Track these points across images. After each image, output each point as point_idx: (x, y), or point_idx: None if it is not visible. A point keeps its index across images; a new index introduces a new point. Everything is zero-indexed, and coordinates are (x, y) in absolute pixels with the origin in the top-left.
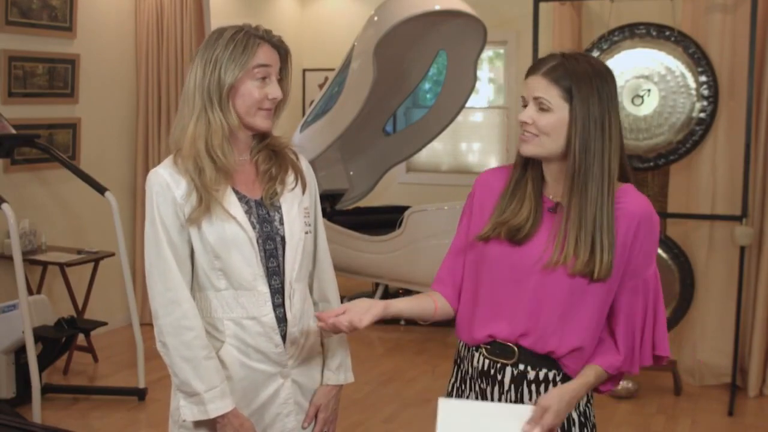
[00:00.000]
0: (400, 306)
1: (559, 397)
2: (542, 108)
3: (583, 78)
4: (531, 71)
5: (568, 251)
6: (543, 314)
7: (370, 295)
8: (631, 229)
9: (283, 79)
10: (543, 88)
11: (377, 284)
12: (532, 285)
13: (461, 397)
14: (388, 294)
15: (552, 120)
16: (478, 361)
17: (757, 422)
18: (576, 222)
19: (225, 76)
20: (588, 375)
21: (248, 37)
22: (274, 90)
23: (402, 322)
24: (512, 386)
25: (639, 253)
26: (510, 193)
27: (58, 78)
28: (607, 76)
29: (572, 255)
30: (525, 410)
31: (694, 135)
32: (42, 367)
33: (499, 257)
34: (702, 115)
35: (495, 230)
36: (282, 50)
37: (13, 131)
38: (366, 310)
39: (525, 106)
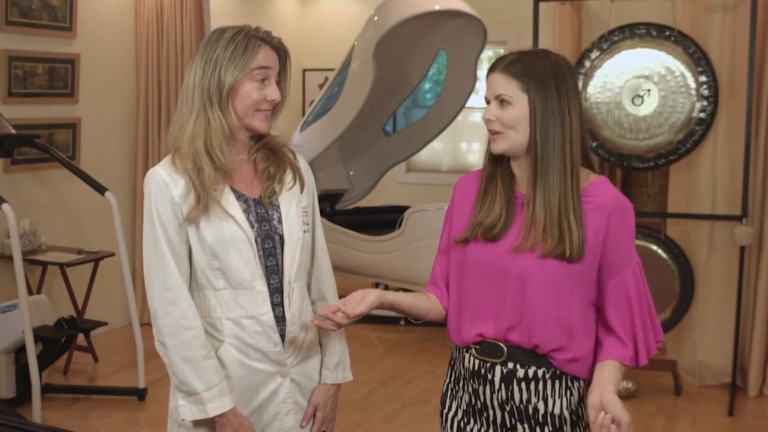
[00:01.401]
0: (397, 297)
1: (599, 393)
2: (504, 103)
3: (540, 71)
4: (490, 70)
5: (536, 238)
6: (526, 306)
7: None
8: (603, 221)
9: (281, 81)
10: (502, 83)
11: (377, 284)
12: (513, 279)
13: (455, 397)
14: None
15: (514, 113)
16: (469, 362)
17: (757, 422)
18: (542, 210)
19: (225, 76)
20: (609, 364)
21: (249, 38)
22: (272, 92)
23: (402, 322)
24: (502, 385)
25: (618, 244)
26: (483, 193)
27: (58, 78)
28: (566, 70)
29: (540, 240)
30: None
31: (694, 135)
32: (42, 367)
33: (478, 257)
34: (702, 115)
35: (472, 232)
36: (281, 52)
37: (13, 131)
38: (360, 301)
39: (489, 104)
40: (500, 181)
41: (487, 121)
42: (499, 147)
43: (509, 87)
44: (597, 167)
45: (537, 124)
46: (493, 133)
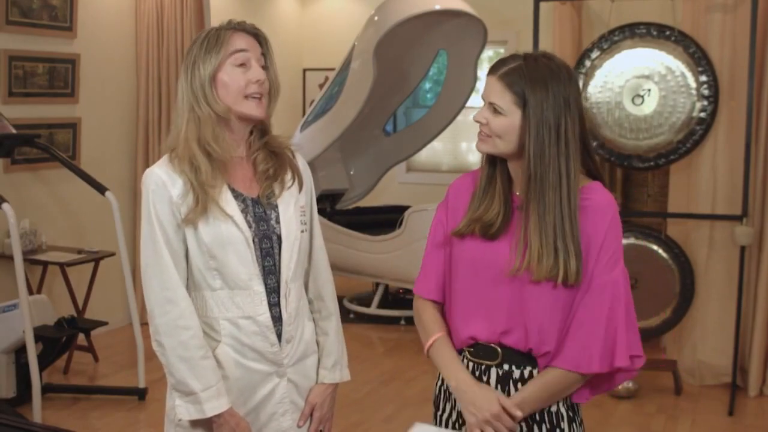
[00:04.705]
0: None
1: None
2: (495, 112)
3: (539, 82)
4: (490, 71)
5: (531, 257)
6: (521, 313)
7: (371, 294)
8: (597, 225)
9: (268, 66)
10: (497, 92)
11: (377, 284)
12: (507, 285)
13: (448, 400)
14: (388, 293)
15: (504, 123)
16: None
17: (757, 422)
18: (536, 228)
19: (203, 69)
20: (552, 376)
21: (220, 31)
22: (256, 73)
23: (402, 322)
24: (498, 387)
25: (606, 251)
26: (482, 190)
27: (58, 78)
28: (565, 79)
29: (536, 261)
30: None
31: (695, 135)
32: (42, 367)
33: (474, 254)
34: (702, 114)
35: (469, 227)
36: (258, 36)
37: (13, 131)
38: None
39: (484, 104)
40: (499, 180)
41: (478, 122)
42: (483, 148)
43: (503, 98)
44: (603, 174)
45: (531, 141)
46: (481, 135)
